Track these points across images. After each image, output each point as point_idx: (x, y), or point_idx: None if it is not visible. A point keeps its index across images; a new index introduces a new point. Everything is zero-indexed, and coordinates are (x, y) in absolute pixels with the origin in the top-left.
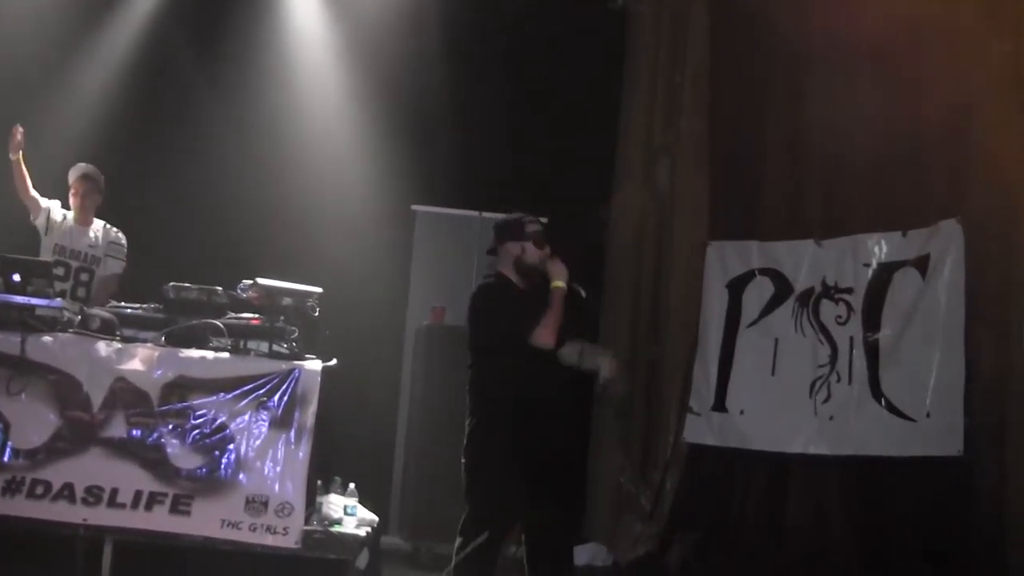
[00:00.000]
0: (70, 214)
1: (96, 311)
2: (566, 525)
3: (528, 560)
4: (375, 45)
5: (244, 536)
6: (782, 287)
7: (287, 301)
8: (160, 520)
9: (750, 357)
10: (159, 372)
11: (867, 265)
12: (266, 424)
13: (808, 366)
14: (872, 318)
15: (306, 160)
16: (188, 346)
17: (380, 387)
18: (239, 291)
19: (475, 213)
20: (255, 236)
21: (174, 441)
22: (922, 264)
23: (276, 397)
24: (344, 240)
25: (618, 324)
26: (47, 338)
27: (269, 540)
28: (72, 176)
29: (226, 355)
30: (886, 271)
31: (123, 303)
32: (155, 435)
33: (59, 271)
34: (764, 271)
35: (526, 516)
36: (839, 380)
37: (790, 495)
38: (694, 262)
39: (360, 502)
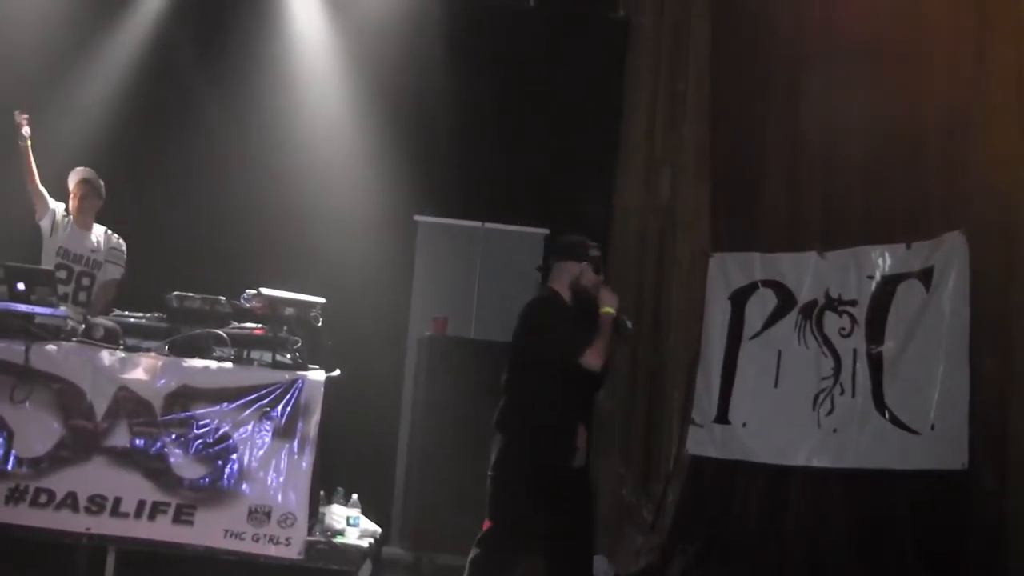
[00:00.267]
0: (71, 217)
1: (100, 320)
2: (590, 538)
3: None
4: (378, 56)
5: (247, 546)
6: (785, 299)
7: (290, 311)
8: (163, 530)
9: (753, 369)
10: (162, 382)
11: (871, 277)
12: (269, 434)
13: (811, 378)
14: (876, 330)
15: (309, 170)
16: (191, 356)
17: (382, 397)
18: (242, 301)
19: (477, 223)
20: (258, 246)
21: (177, 451)
22: (926, 276)
23: (279, 407)
24: (346, 250)
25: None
26: (51, 347)
27: (272, 551)
28: (72, 180)
29: (229, 365)
30: (890, 283)
31: (126, 312)
32: (158, 445)
33: (61, 274)
34: (767, 283)
35: (551, 529)
36: (843, 393)
37: (792, 508)
38: (696, 273)
39: (363, 513)
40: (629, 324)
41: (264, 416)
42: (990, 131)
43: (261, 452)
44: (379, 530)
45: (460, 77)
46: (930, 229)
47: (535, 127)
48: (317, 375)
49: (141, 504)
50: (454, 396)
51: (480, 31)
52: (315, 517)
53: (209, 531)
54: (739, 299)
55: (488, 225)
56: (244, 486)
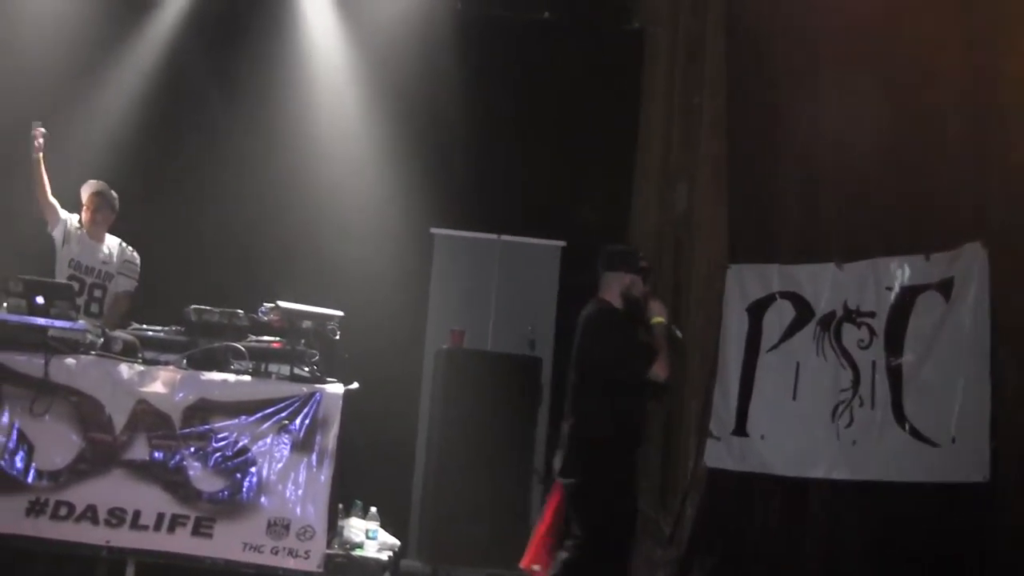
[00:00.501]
0: (83, 229)
1: (118, 333)
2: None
3: None
4: (393, 69)
5: (266, 559)
6: (803, 311)
7: (308, 324)
8: (182, 543)
9: (771, 381)
10: (181, 395)
11: (889, 289)
12: (288, 447)
13: (830, 390)
14: (895, 342)
15: (325, 184)
16: (209, 369)
17: (399, 410)
18: (260, 314)
19: (494, 236)
20: (275, 259)
21: (196, 464)
22: (946, 288)
23: (298, 420)
24: (363, 263)
25: None
26: (70, 360)
27: (291, 563)
28: (84, 193)
29: (247, 378)
30: (909, 295)
31: (144, 325)
32: (177, 457)
33: (73, 285)
34: (785, 295)
35: None
36: (862, 405)
37: (811, 520)
38: (713, 285)
39: (381, 526)
40: (679, 333)
41: (282, 429)
42: (1009, 140)
43: (280, 465)
44: (398, 543)
45: (476, 89)
46: (949, 240)
47: (551, 139)
48: (335, 388)
49: (160, 517)
50: (471, 408)
51: (495, 43)
52: (334, 530)
53: (228, 544)
54: (757, 311)
55: (504, 237)
56: (263, 499)
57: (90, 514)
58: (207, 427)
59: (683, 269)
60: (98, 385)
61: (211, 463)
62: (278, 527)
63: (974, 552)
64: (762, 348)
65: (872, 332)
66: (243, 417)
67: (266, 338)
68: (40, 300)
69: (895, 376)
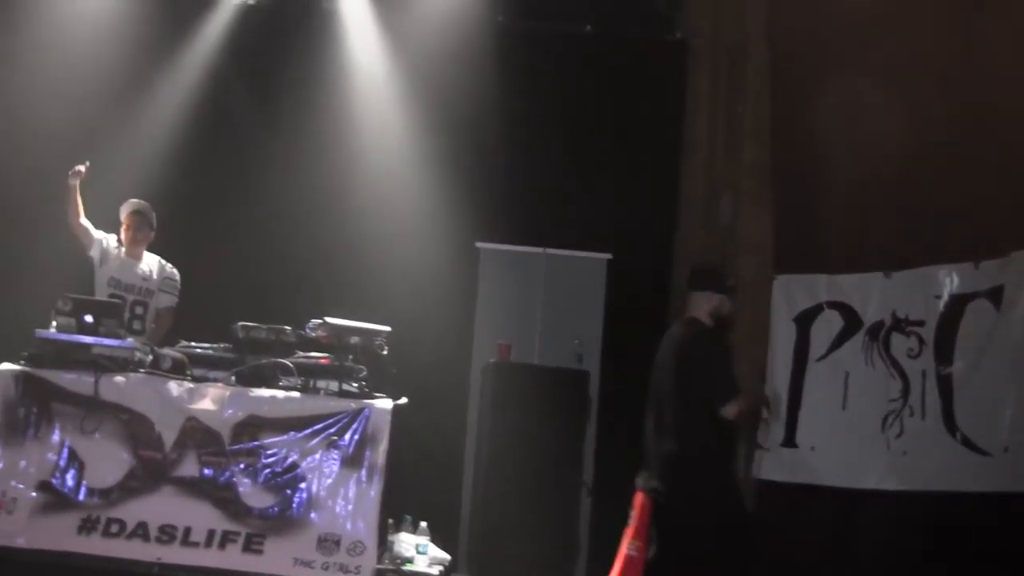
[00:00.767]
0: (123, 248)
1: (167, 351)
2: None
3: None
4: (436, 83)
5: (316, 575)
6: (851, 321)
7: (355, 340)
8: (233, 559)
9: (820, 392)
10: (230, 411)
11: (938, 297)
12: (337, 463)
13: (880, 400)
14: (945, 351)
15: (370, 199)
16: (258, 385)
17: (447, 424)
18: (308, 330)
19: (539, 249)
20: (321, 275)
21: (246, 480)
22: (995, 295)
23: (347, 436)
24: (409, 278)
25: None
26: (119, 378)
27: None
28: (123, 211)
29: (296, 394)
30: (958, 303)
31: (193, 343)
32: (227, 474)
33: (121, 303)
34: (832, 304)
35: None
36: (912, 414)
37: (862, 531)
38: (759, 296)
39: (431, 540)
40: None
41: (332, 445)
42: None
43: (329, 481)
44: (448, 557)
45: (519, 103)
46: (998, 248)
47: (595, 151)
48: (384, 403)
49: (211, 533)
50: (519, 422)
51: (538, 56)
52: (384, 545)
53: (279, 560)
54: (804, 321)
55: (550, 251)
56: (313, 515)
57: (141, 531)
58: (256, 443)
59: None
60: (148, 403)
61: (261, 479)
62: (329, 543)
63: None
64: (810, 359)
65: (921, 341)
66: (292, 433)
67: (314, 354)
68: (89, 319)
69: (945, 385)
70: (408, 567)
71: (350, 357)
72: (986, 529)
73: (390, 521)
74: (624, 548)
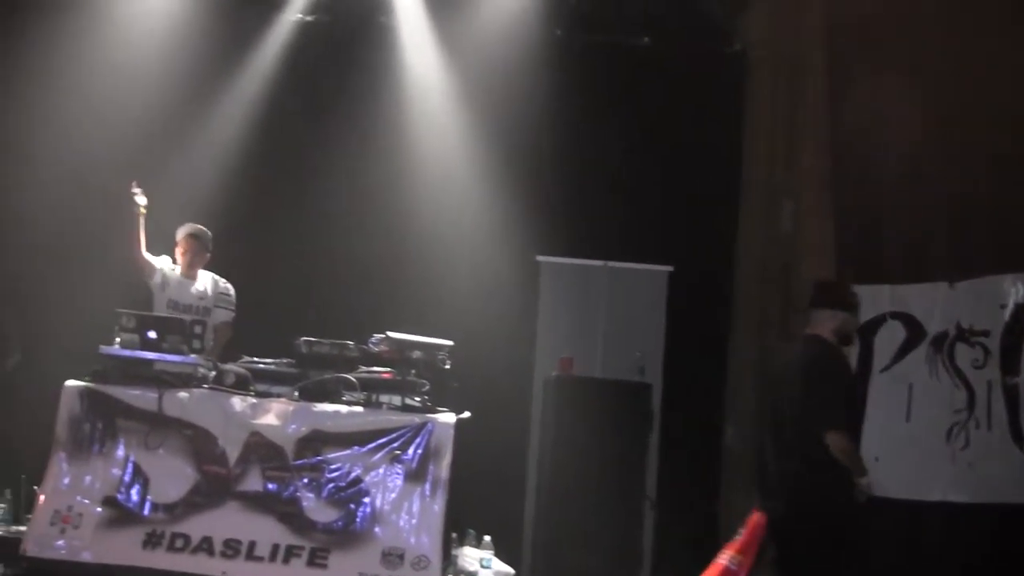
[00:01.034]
0: (178, 269)
1: (230, 367)
2: None
3: None
4: (495, 97)
5: None
6: (915, 331)
7: (418, 354)
8: (297, 573)
9: (884, 403)
10: (293, 426)
11: (1003, 306)
12: (401, 477)
13: (944, 412)
14: (1011, 361)
15: (431, 214)
16: (321, 400)
17: (509, 438)
18: (370, 345)
19: (600, 262)
20: (384, 290)
21: (309, 495)
22: None
23: (410, 450)
24: (470, 292)
25: (745, 372)
26: (183, 394)
27: None
28: (180, 234)
29: (359, 409)
30: None
31: (256, 358)
32: (291, 489)
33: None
34: (895, 315)
35: None
36: (978, 426)
37: (927, 543)
38: None
39: (494, 554)
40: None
41: (395, 459)
42: None
43: (393, 495)
44: (512, 572)
45: (578, 115)
46: None
47: (655, 163)
48: (447, 417)
49: (275, 548)
50: (581, 435)
51: (596, 69)
52: (448, 559)
53: (343, 574)
54: (867, 332)
55: (611, 264)
56: (377, 529)
57: (206, 546)
58: (320, 458)
59: (790, 290)
60: (211, 418)
61: (325, 494)
62: (393, 557)
63: None
64: (874, 369)
65: (986, 351)
66: (356, 448)
67: (377, 369)
68: (152, 335)
69: (1012, 396)
70: None
71: (413, 371)
72: None
73: (454, 535)
74: (721, 559)
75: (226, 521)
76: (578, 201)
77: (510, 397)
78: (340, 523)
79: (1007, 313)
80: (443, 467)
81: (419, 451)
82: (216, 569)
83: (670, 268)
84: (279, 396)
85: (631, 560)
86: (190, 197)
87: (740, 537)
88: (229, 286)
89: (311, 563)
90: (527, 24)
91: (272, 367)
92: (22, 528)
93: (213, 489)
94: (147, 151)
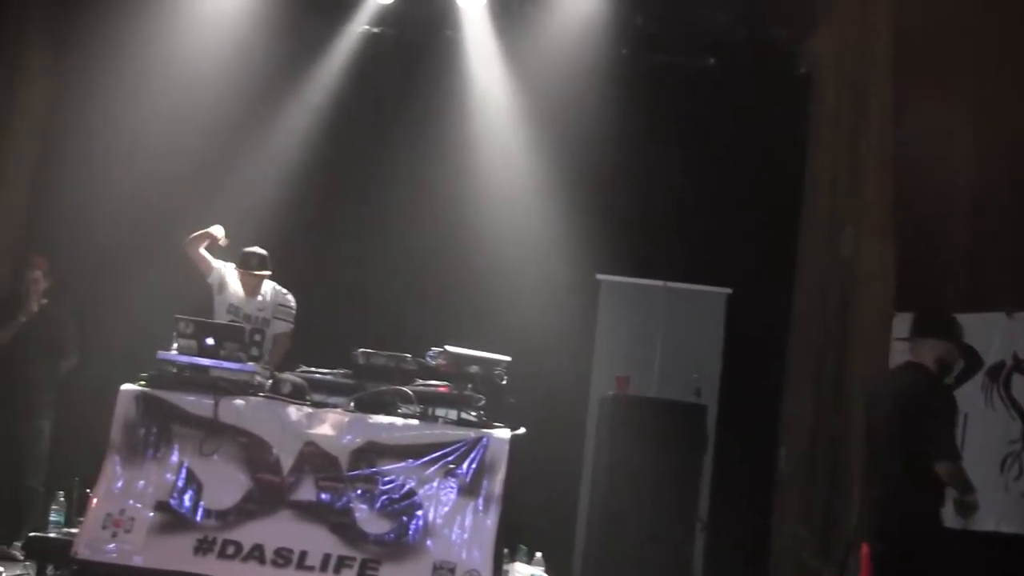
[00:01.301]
0: (240, 283)
1: (287, 376)
2: None
3: None
4: (558, 115)
5: None
6: (972, 360)
7: (475, 369)
8: None
9: None
10: (348, 437)
11: None
12: (454, 491)
13: (999, 442)
14: None
15: (492, 230)
16: (377, 412)
17: (563, 455)
18: (428, 358)
19: (659, 282)
20: (442, 304)
21: (362, 506)
22: None
23: (465, 464)
24: (529, 308)
25: (801, 396)
26: (239, 401)
27: None
28: (242, 256)
29: (415, 422)
30: None
31: (312, 368)
32: (344, 499)
33: (244, 327)
34: None
35: None
36: None
37: (977, 574)
38: (880, 333)
39: (545, 571)
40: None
41: (449, 473)
42: None
43: (446, 509)
44: None
45: (641, 135)
46: None
47: (716, 184)
48: (502, 433)
49: (327, 558)
50: (636, 455)
51: (660, 89)
52: (499, 574)
53: None
54: None
55: (670, 284)
56: (429, 542)
57: (257, 553)
58: (374, 470)
59: (849, 317)
60: (267, 426)
61: (378, 505)
62: (444, 570)
63: None
64: None
65: None
66: (410, 460)
67: (433, 382)
68: (210, 342)
69: None
70: None
71: (469, 386)
72: None
73: (505, 550)
74: None
75: (278, 529)
76: (639, 221)
77: (566, 414)
78: (392, 535)
79: None
80: (497, 482)
81: (473, 465)
82: None
83: (729, 290)
84: (335, 406)
85: None
86: (252, 205)
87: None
88: (290, 297)
89: (362, 574)
90: (593, 42)
91: (329, 377)
92: (74, 531)
93: (266, 497)
94: (210, 158)
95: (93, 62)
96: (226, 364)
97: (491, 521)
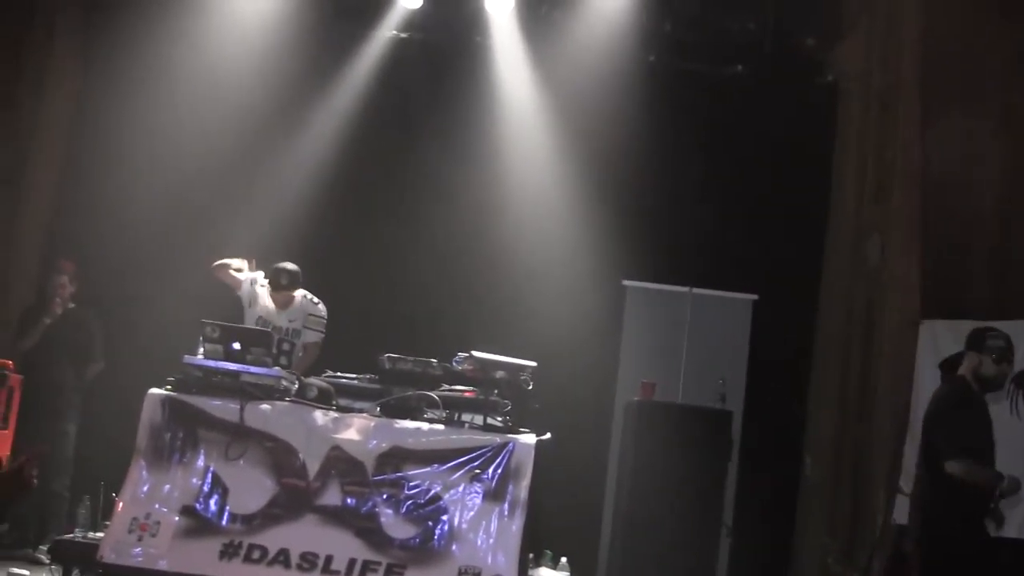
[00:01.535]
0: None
1: (313, 380)
2: None
3: None
4: (585, 122)
5: None
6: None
7: (501, 374)
8: None
9: None
10: (374, 442)
11: None
12: (480, 496)
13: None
14: None
15: (518, 235)
16: (403, 417)
17: (589, 461)
18: (454, 363)
19: (685, 289)
20: (468, 308)
21: (388, 510)
22: None
23: (490, 470)
24: (555, 314)
25: (826, 403)
26: (265, 406)
27: None
28: (273, 272)
29: (440, 427)
30: None
31: (338, 373)
32: (369, 504)
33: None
34: None
35: None
36: None
37: None
38: (905, 342)
39: None
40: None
41: (475, 478)
42: None
43: (471, 514)
44: None
45: (668, 142)
46: None
47: (743, 192)
48: (528, 438)
49: (352, 562)
50: (661, 460)
51: (687, 95)
52: None
53: None
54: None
55: (696, 290)
56: (454, 547)
57: (282, 558)
58: (400, 475)
59: (875, 323)
60: (292, 431)
61: (403, 510)
62: (469, 575)
63: None
64: None
65: None
66: (436, 465)
67: (459, 387)
68: (236, 346)
69: None
70: None
71: (495, 391)
72: None
73: (530, 556)
74: None
75: (304, 534)
76: (665, 227)
77: (591, 420)
78: (417, 540)
79: None
80: (522, 487)
81: (499, 471)
82: None
83: (755, 297)
84: (361, 411)
85: None
86: (279, 209)
87: None
88: (321, 307)
89: None
90: (621, 48)
91: (355, 382)
92: (100, 535)
93: (292, 502)
94: (237, 162)
95: (120, 65)
96: (252, 369)
97: (516, 526)
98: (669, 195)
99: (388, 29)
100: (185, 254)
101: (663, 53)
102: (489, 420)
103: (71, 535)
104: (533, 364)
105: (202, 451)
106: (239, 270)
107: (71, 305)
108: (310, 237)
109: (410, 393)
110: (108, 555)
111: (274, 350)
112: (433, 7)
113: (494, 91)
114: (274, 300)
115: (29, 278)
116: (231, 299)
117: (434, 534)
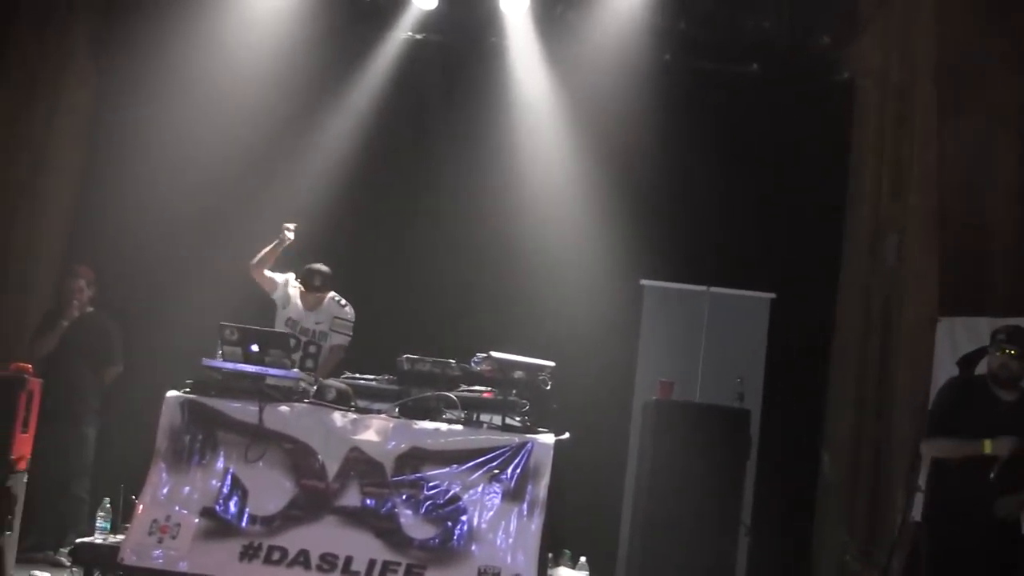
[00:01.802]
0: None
1: (331, 382)
2: None
3: None
4: (602, 122)
5: None
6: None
7: (519, 374)
8: None
9: None
10: (393, 443)
11: None
12: (499, 496)
13: None
14: None
15: (536, 235)
16: (422, 418)
17: (607, 460)
18: (472, 364)
19: (703, 288)
20: (485, 309)
21: (407, 511)
22: None
23: (509, 470)
24: (573, 314)
25: (844, 401)
26: (284, 408)
27: None
28: (304, 272)
29: (459, 427)
30: None
31: (357, 374)
32: (388, 505)
33: (289, 335)
34: None
35: None
36: None
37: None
38: (922, 339)
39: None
40: None
41: (494, 478)
42: None
43: (490, 514)
44: None
45: (684, 141)
46: None
47: (760, 190)
48: (547, 438)
49: (372, 563)
50: (679, 460)
51: (704, 94)
52: None
53: None
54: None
55: (714, 289)
56: (474, 547)
57: (302, 559)
58: (419, 475)
59: (892, 321)
60: (311, 432)
61: (422, 511)
62: (488, 575)
63: None
64: None
65: None
66: (455, 466)
67: (478, 388)
68: (255, 348)
69: None
70: None
71: (514, 391)
72: None
73: (550, 555)
74: None
75: (323, 535)
76: (682, 226)
77: (609, 420)
78: (437, 540)
79: None
80: (541, 487)
81: (518, 471)
82: None
83: (772, 295)
84: (380, 412)
85: None
86: (296, 210)
87: None
88: (348, 310)
89: None
90: (635, 48)
91: (373, 383)
92: (120, 537)
93: (311, 503)
94: (255, 163)
95: (138, 67)
96: (271, 371)
97: (535, 526)
98: (686, 194)
99: (403, 30)
100: (204, 256)
101: (678, 52)
102: (508, 420)
103: (91, 538)
104: (551, 364)
105: (221, 453)
106: (280, 246)
107: (89, 309)
108: (327, 239)
109: (429, 394)
110: (128, 557)
111: (300, 352)
112: (448, 8)
113: (509, 91)
114: (304, 301)
115: (48, 285)
116: (252, 301)
117: (454, 534)
